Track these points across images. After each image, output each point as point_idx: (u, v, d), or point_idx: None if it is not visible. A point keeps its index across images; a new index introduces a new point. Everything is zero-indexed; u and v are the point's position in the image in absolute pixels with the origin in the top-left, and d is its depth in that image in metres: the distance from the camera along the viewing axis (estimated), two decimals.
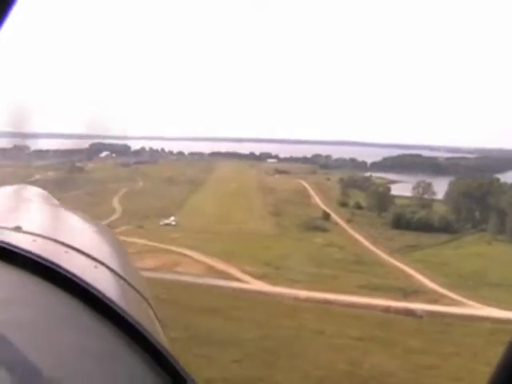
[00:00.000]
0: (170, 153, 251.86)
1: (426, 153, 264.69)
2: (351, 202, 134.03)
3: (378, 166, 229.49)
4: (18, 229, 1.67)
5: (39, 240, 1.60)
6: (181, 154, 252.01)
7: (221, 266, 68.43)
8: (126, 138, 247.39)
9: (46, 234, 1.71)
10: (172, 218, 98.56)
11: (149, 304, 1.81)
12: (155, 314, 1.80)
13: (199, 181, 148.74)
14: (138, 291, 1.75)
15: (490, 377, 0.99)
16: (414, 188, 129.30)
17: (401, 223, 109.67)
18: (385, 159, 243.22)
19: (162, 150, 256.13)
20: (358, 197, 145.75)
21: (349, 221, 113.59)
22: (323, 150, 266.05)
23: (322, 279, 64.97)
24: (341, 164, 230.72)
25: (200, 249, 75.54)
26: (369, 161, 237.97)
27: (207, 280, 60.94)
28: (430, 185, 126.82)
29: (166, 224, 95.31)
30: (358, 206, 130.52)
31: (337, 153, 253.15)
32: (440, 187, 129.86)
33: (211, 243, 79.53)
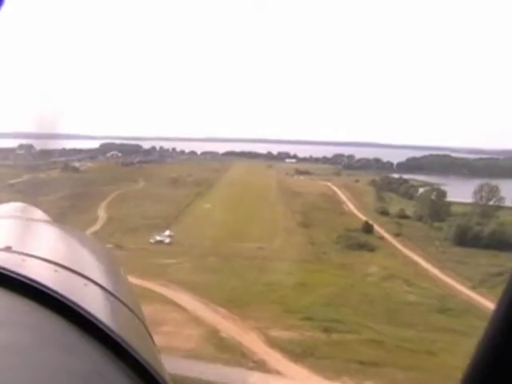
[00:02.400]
0: (182, 152, 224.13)
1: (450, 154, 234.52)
2: (392, 210, 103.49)
3: (406, 166, 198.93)
4: (7, 249, 1.63)
5: (28, 260, 1.56)
6: (193, 153, 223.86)
7: (231, 327, 37.49)
8: (140, 138, 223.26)
9: (36, 253, 1.66)
10: (167, 233, 68.26)
11: (141, 321, 1.71)
12: (148, 331, 1.71)
13: (209, 182, 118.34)
14: (129, 308, 1.67)
15: (463, 376, 0.98)
16: (475, 192, 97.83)
17: (466, 238, 78.72)
18: (412, 160, 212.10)
19: (173, 149, 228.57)
20: (398, 202, 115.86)
21: (397, 235, 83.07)
22: (339, 151, 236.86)
23: (412, 358, 34.26)
24: (365, 164, 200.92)
25: (200, 288, 45.36)
26: (394, 161, 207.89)
27: (201, 368, 30.48)
28: (496, 189, 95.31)
29: (158, 241, 65.17)
30: (402, 215, 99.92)
31: (355, 153, 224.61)
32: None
33: (218, 277, 49.54)
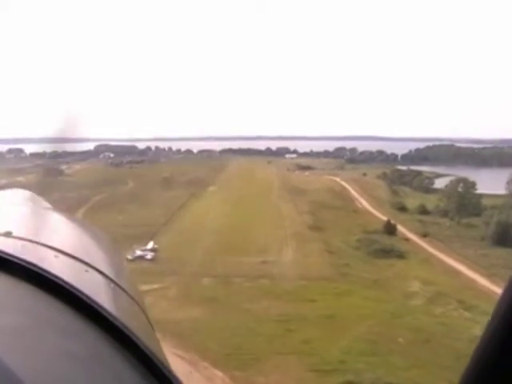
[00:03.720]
0: (178, 151, 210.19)
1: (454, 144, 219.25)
2: (410, 205, 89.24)
3: (411, 158, 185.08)
4: (7, 234, 1.61)
5: (29, 245, 1.56)
6: (189, 151, 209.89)
7: None
8: (138, 140, 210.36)
9: (36, 239, 1.65)
10: (150, 246, 53.26)
11: (140, 308, 1.70)
12: (147, 317, 1.69)
13: (204, 182, 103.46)
14: (129, 295, 1.65)
15: (462, 376, 0.97)
16: (508, 183, 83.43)
17: (509, 237, 64.37)
18: (416, 151, 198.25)
19: (169, 148, 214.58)
20: (414, 197, 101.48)
21: (424, 235, 68.74)
22: (338, 146, 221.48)
23: None
24: (368, 157, 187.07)
25: (186, 333, 30.63)
26: (398, 153, 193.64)
27: None
28: None
29: (138, 257, 50.15)
30: (423, 211, 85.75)
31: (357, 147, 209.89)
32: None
33: (213, 310, 34.77)
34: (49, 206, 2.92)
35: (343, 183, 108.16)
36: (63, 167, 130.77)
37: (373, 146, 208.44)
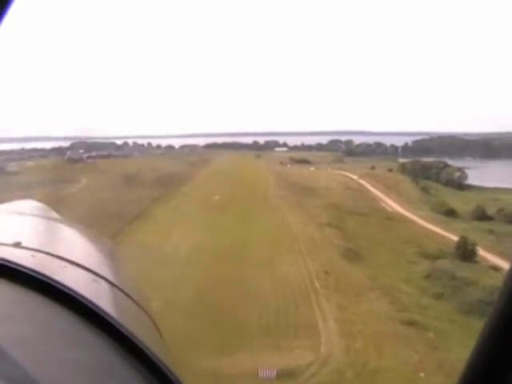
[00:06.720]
0: (158, 147, 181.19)
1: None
2: (460, 207, 61.44)
3: (412, 150, 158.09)
4: (17, 245, 1.60)
5: (38, 255, 1.53)
6: (170, 147, 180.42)
7: None
8: (122, 137, 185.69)
9: (45, 249, 1.63)
10: None
11: (148, 316, 1.67)
12: (156, 325, 1.66)
13: (178, 181, 73.88)
14: (137, 303, 1.63)
15: (462, 373, 0.93)
16: None
17: None
18: (416, 143, 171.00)
19: (148, 144, 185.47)
20: (452, 195, 73.83)
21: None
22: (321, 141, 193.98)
23: None
24: (366, 150, 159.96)
25: None
26: (398, 145, 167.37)
27: None
28: None
29: None
30: (483, 216, 58.07)
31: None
32: None
33: None
34: (58, 216, 2.74)
35: (360, 180, 79.72)
36: (12, 164, 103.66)
37: (364, 140, 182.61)
